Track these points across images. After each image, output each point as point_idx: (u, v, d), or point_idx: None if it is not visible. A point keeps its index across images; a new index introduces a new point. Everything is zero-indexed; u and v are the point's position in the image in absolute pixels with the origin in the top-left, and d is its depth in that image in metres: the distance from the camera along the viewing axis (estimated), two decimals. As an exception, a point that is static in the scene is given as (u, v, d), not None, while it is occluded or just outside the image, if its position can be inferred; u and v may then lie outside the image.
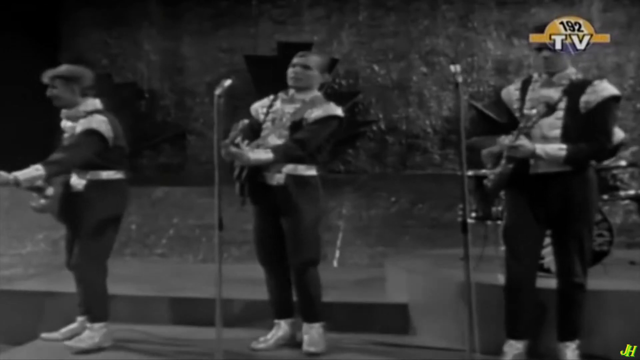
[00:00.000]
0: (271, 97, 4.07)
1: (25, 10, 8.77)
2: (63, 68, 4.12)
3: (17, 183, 3.66)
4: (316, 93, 3.98)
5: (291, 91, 3.97)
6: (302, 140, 3.82)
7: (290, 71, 3.95)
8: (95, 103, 4.09)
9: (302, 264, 3.89)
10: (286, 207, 3.85)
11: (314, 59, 3.99)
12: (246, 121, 3.80)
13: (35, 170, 3.70)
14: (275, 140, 3.87)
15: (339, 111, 3.92)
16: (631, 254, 4.94)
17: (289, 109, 3.93)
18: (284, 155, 3.79)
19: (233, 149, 3.67)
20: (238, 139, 3.71)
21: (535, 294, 3.62)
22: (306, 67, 3.93)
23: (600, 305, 3.73)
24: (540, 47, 3.49)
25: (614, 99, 3.48)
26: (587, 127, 3.42)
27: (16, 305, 4.74)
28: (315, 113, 3.87)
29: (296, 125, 3.87)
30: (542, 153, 3.42)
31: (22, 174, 3.67)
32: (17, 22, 8.73)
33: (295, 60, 3.98)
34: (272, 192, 3.86)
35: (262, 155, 3.77)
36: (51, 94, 4.03)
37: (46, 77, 4.04)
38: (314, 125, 3.85)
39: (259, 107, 4.07)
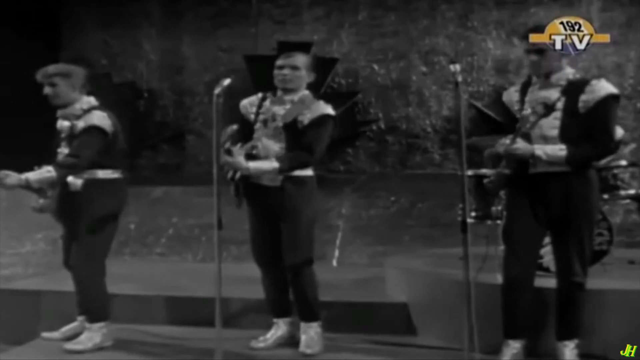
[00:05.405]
0: (259, 95, 4.01)
1: (25, 10, 8.76)
2: (60, 66, 4.12)
3: (28, 184, 3.67)
4: (304, 92, 3.93)
5: (279, 92, 3.92)
6: (309, 146, 3.78)
7: (278, 73, 3.88)
8: (90, 100, 4.09)
9: (297, 264, 3.88)
10: (283, 208, 3.84)
11: (301, 59, 3.91)
12: (234, 127, 3.76)
13: (47, 172, 3.71)
14: (268, 142, 3.85)
15: (329, 109, 3.88)
16: (631, 253, 4.93)
17: (279, 110, 3.88)
18: (290, 164, 3.75)
19: (229, 159, 3.64)
20: (227, 145, 3.67)
21: (533, 294, 3.62)
22: (295, 67, 3.87)
23: (600, 305, 3.73)
24: (529, 50, 3.49)
25: (613, 98, 3.45)
26: (587, 127, 3.41)
27: (16, 305, 4.74)
28: (308, 115, 3.82)
29: (289, 127, 3.83)
30: (542, 154, 3.41)
31: (33, 175, 3.68)
32: (17, 22, 8.72)
33: (281, 61, 3.89)
34: (268, 193, 3.84)
35: (266, 165, 3.73)
36: (50, 92, 4.00)
37: (42, 75, 4.01)
38: (314, 129, 3.81)
39: (248, 105, 4.02)
